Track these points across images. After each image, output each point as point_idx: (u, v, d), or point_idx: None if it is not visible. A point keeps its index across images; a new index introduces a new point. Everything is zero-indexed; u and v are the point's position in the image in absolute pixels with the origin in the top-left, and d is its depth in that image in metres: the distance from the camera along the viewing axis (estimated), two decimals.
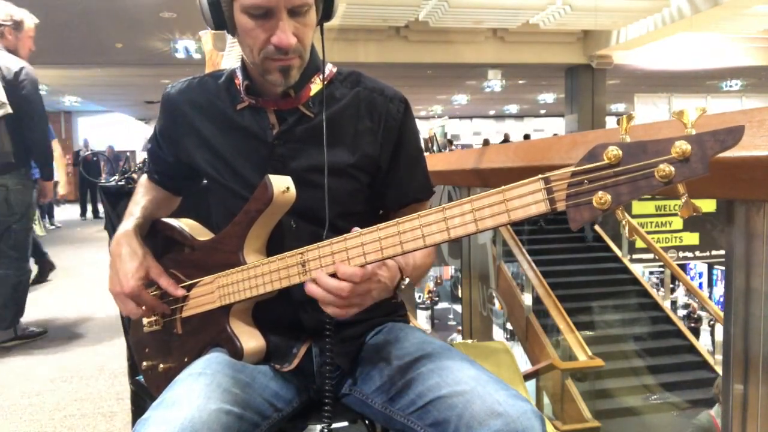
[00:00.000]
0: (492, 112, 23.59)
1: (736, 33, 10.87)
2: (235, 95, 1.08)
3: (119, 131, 18.27)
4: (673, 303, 10.50)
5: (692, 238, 8.83)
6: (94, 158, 12.03)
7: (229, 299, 1.01)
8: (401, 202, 1.12)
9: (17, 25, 3.06)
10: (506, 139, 15.86)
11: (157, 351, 1.13)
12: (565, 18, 9.21)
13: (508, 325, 7.18)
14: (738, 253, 0.99)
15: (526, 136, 17.04)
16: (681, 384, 6.66)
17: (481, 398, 0.86)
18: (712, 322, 9.25)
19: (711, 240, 8.77)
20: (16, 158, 3.02)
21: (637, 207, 8.56)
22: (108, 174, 10.91)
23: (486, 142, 18.81)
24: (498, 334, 7.17)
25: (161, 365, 1.12)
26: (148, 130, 10.67)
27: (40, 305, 4.03)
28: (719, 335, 6.85)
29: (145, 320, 1.14)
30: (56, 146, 3.45)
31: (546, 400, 4.75)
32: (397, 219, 0.84)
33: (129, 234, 1.11)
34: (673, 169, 0.65)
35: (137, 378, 1.24)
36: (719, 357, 6.35)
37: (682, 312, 10.65)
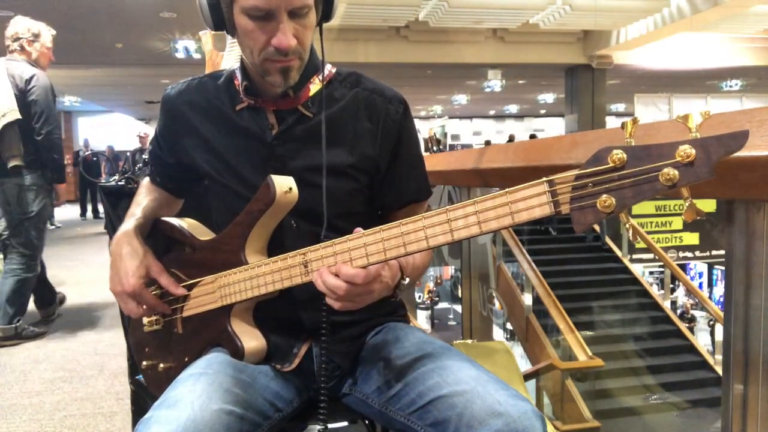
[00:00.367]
0: (492, 112, 23.59)
1: (736, 33, 10.87)
2: (234, 96, 1.08)
3: (119, 131, 18.28)
4: (673, 303, 10.50)
5: (692, 238, 8.84)
6: (94, 158, 12.03)
7: (230, 299, 1.01)
8: (399, 202, 1.12)
9: (35, 38, 3.30)
10: (511, 140, 15.84)
11: (158, 350, 1.13)
12: (565, 18, 9.21)
13: (508, 325, 7.18)
14: (738, 253, 0.99)
15: (532, 136, 17.02)
16: (681, 384, 6.66)
17: (481, 398, 0.86)
18: (711, 322, 9.25)
19: (711, 240, 8.77)
20: (30, 160, 3.21)
21: (637, 207, 8.54)
22: (108, 174, 10.92)
23: (488, 144, 18.81)
24: (498, 334, 7.16)
25: (161, 365, 1.12)
26: (146, 129, 10.63)
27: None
28: (719, 335, 6.85)
29: (145, 320, 1.14)
30: None
31: (546, 400, 4.75)
32: (400, 220, 0.84)
33: (129, 234, 1.11)
34: (677, 172, 0.65)
35: (137, 378, 1.24)
36: (719, 357, 6.35)
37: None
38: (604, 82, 12.39)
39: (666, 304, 7.88)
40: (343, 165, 1.05)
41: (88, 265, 5.88)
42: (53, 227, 9.99)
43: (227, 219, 1.05)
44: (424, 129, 17.00)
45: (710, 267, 12.14)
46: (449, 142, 18.96)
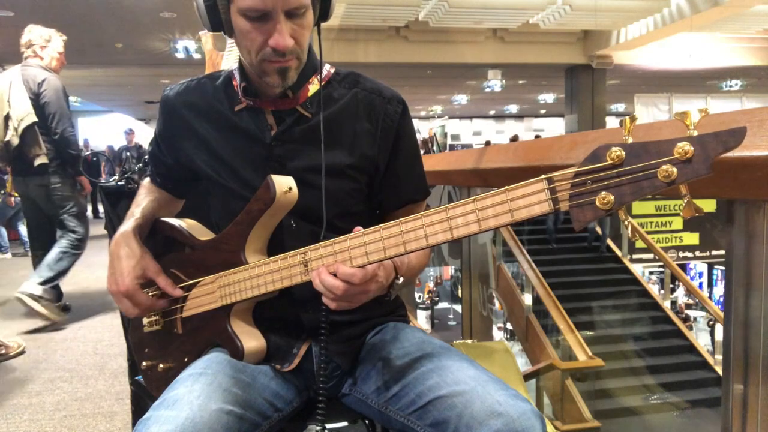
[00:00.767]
0: (492, 112, 23.59)
1: (736, 33, 10.87)
2: (233, 96, 1.08)
3: (119, 131, 18.27)
4: (673, 303, 10.50)
5: (692, 238, 8.84)
6: (94, 158, 12.03)
7: (230, 299, 1.01)
8: (397, 202, 1.12)
9: (47, 43, 3.51)
10: (515, 141, 15.83)
11: (158, 351, 1.13)
12: (565, 18, 9.21)
13: (509, 325, 7.18)
14: (738, 253, 0.99)
15: (537, 137, 16.99)
16: (681, 384, 6.66)
17: (481, 398, 0.86)
18: (711, 322, 9.25)
19: (711, 240, 8.77)
20: (50, 159, 3.46)
21: (638, 207, 8.57)
22: (108, 174, 10.91)
23: (487, 144, 18.78)
24: (498, 334, 7.16)
25: (161, 365, 1.12)
26: (133, 126, 10.62)
27: None
28: (719, 335, 6.85)
29: (145, 320, 1.14)
30: None
31: (546, 400, 4.75)
32: (399, 219, 0.84)
33: (128, 234, 1.11)
34: (675, 169, 0.66)
35: (137, 378, 1.24)
36: (719, 357, 6.35)
37: None
38: (604, 82, 12.40)
39: (666, 304, 7.89)
40: (343, 165, 1.05)
41: (89, 265, 5.86)
42: None
43: (226, 219, 1.04)
44: (424, 129, 17.00)
45: (710, 267, 12.14)
46: (449, 142, 18.95)
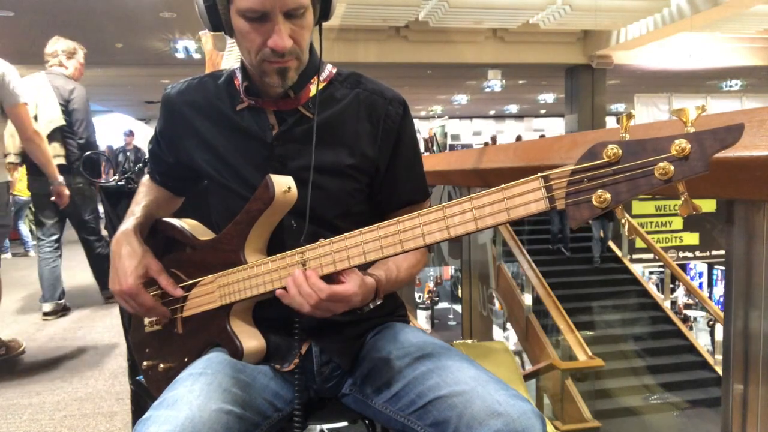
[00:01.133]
0: (492, 112, 23.59)
1: (736, 33, 10.87)
2: (234, 96, 1.08)
3: (119, 131, 18.25)
4: (673, 303, 10.50)
5: (692, 238, 8.84)
6: (95, 157, 12.01)
7: (229, 299, 1.01)
8: (397, 203, 1.12)
9: (71, 55, 3.81)
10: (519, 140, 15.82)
11: (158, 351, 1.13)
12: (565, 18, 9.21)
13: (508, 325, 7.18)
14: (738, 253, 0.99)
15: (542, 137, 16.99)
16: (681, 384, 6.66)
17: (481, 398, 0.86)
18: (711, 322, 9.25)
19: (711, 240, 8.77)
20: (71, 161, 3.72)
21: (637, 207, 8.56)
22: (107, 174, 10.90)
23: (494, 140, 18.76)
24: (498, 334, 7.16)
25: (161, 365, 1.12)
26: (133, 128, 10.61)
27: (39, 305, 4.02)
28: (719, 335, 6.85)
29: (146, 320, 1.15)
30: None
31: (546, 400, 4.75)
32: (396, 218, 0.84)
33: (129, 233, 1.11)
34: (672, 167, 0.65)
35: (137, 378, 1.24)
36: (719, 357, 6.35)
37: None
38: (604, 82, 12.40)
39: (666, 304, 7.88)
40: (344, 165, 1.05)
41: (89, 266, 5.87)
42: None
43: (227, 219, 1.04)
44: (424, 129, 17.00)
45: (710, 267, 12.13)
46: (449, 142, 18.94)
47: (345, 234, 0.88)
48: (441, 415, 0.88)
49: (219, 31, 1.00)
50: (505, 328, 7.48)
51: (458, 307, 9.94)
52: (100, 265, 3.94)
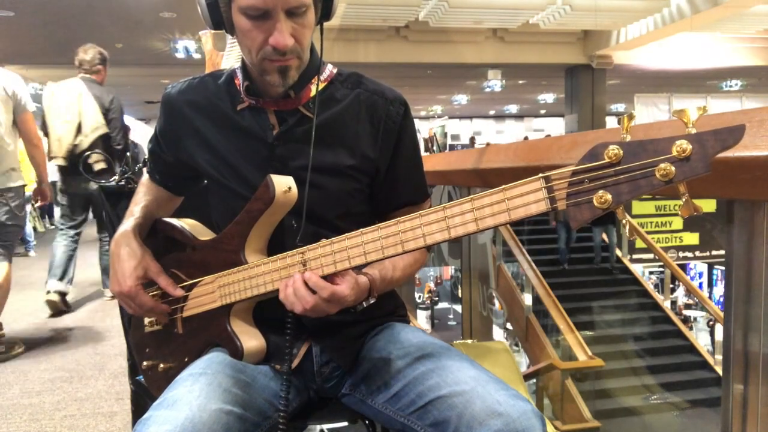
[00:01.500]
0: (492, 112, 23.59)
1: (736, 33, 10.87)
2: (235, 95, 1.08)
3: None
4: (673, 303, 10.50)
5: (692, 238, 8.83)
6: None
7: (229, 299, 1.01)
8: (397, 204, 1.12)
9: (104, 62, 4.03)
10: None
11: (158, 351, 1.13)
12: (565, 18, 9.21)
13: (509, 325, 7.18)
14: (738, 253, 0.99)
15: (547, 137, 16.95)
16: (681, 384, 6.66)
17: (481, 398, 0.86)
18: (711, 322, 9.25)
19: (711, 240, 8.77)
20: (109, 165, 3.88)
21: (638, 207, 8.56)
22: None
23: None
24: (498, 334, 7.16)
25: (161, 365, 1.11)
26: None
27: (39, 305, 4.03)
28: (719, 335, 6.86)
29: (146, 320, 1.15)
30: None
31: (546, 400, 4.75)
32: (397, 218, 0.84)
33: (128, 234, 1.11)
34: (673, 168, 0.65)
35: (137, 378, 1.24)
36: (719, 357, 6.35)
37: None
38: (604, 82, 12.39)
39: (666, 304, 7.89)
40: (344, 165, 1.05)
41: (89, 266, 5.86)
42: (53, 227, 9.99)
43: (227, 219, 1.04)
44: (424, 129, 16.99)
45: (710, 267, 12.13)
46: (449, 142, 18.93)
47: (346, 234, 0.88)
48: (441, 415, 0.88)
49: (220, 29, 1.00)
50: (505, 328, 7.49)
51: (458, 307, 9.94)
52: None
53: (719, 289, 11.52)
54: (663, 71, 13.39)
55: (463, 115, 23.40)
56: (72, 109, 3.79)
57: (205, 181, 1.16)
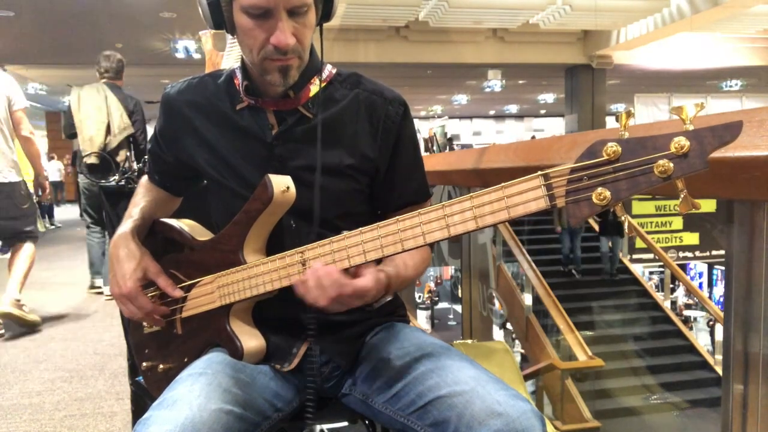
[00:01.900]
0: (492, 112, 23.59)
1: (736, 33, 10.88)
2: (234, 95, 1.08)
3: None
4: (673, 303, 10.50)
5: (692, 238, 8.84)
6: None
7: (229, 299, 1.01)
8: (397, 204, 1.12)
9: (123, 69, 4.41)
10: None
11: (158, 351, 1.13)
12: (565, 18, 9.21)
13: (508, 325, 7.19)
14: (738, 253, 0.99)
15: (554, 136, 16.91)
16: (681, 384, 6.66)
17: (481, 398, 0.86)
18: (711, 322, 9.25)
19: (711, 240, 8.77)
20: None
21: (638, 207, 8.57)
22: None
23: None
24: (498, 334, 7.17)
25: (161, 365, 1.11)
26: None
27: (39, 305, 4.03)
28: (719, 335, 6.86)
29: None
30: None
31: (546, 400, 4.76)
32: (396, 217, 0.84)
33: (126, 236, 1.10)
34: (672, 164, 0.66)
35: (137, 378, 1.24)
36: (719, 357, 6.36)
37: None
38: (604, 82, 12.40)
39: (666, 304, 7.89)
40: (343, 165, 1.05)
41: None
42: (53, 227, 10.00)
43: (226, 219, 1.04)
44: (424, 129, 16.99)
45: (710, 267, 12.14)
46: (456, 143, 18.94)
47: (345, 233, 0.88)
48: (441, 415, 0.88)
49: (221, 28, 1.00)
50: (505, 328, 7.49)
51: (458, 307, 9.94)
52: None
53: (719, 289, 11.53)
54: (663, 71, 13.40)
55: (463, 115, 23.41)
56: (102, 111, 4.12)
57: (204, 182, 1.16)
